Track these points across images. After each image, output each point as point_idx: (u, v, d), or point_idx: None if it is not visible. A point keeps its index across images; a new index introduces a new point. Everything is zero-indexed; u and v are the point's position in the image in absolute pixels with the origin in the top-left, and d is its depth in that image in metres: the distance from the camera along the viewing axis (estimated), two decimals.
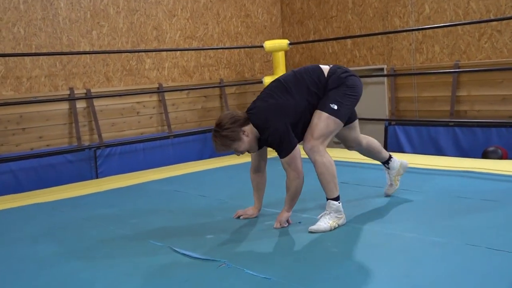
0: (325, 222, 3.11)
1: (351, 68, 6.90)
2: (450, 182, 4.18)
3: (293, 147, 3.11)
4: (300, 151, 3.16)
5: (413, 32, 6.28)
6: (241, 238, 3.13)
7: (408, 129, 6.25)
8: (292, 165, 3.12)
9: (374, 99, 6.92)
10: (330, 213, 3.15)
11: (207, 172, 5.34)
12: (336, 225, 3.14)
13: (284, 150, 3.11)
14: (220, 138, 3.11)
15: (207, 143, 6.73)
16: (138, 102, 6.40)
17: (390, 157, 3.73)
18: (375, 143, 3.69)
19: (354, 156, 5.52)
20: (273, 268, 2.58)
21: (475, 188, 3.90)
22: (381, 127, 6.65)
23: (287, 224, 3.26)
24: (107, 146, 5.91)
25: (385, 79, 6.70)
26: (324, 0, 7.30)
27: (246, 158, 5.93)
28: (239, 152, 3.20)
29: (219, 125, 3.11)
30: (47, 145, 5.74)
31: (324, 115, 3.14)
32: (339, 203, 3.18)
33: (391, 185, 3.77)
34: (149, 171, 5.67)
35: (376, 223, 3.22)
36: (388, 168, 3.73)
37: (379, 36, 6.66)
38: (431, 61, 6.23)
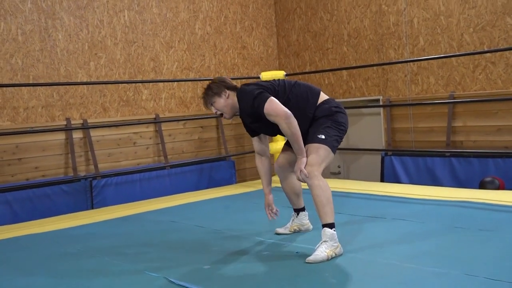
0: (322, 252, 3.10)
1: (347, 100, 7.02)
2: (447, 212, 4.18)
3: (267, 97, 3.26)
4: (276, 100, 3.27)
5: (408, 63, 6.36)
6: (238, 268, 3.11)
7: (404, 160, 6.28)
8: (274, 110, 3.23)
9: (370, 130, 6.97)
10: (326, 241, 3.14)
11: (204, 203, 5.32)
12: (334, 254, 3.13)
13: (261, 103, 3.26)
14: (207, 89, 3.45)
15: (204, 174, 6.73)
16: (135, 133, 6.42)
17: (304, 209, 3.80)
18: (300, 187, 3.76)
19: (348, 186, 5.53)
20: None
21: (473, 218, 3.90)
22: (377, 158, 6.67)
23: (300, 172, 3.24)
24: (103, 176, 5.90)
25: (381, 110, 6.75)
26: (320, 32, 7.41)
27: (243, 189, 5.94)
28: (216, 109, 3.46)
29: (211, 81, 3.50)
30: (43, 176, 5.73)
31: (314, 145, 3.30)
32: (334, 230, 3.18)
33: (286, 227, 3.80)
34: (145, 201, 5.65)
35: (374, 253, 3.20)
36: (297, 216, 3.78)
37: (375, 68, 6.74)
38: (426, 92, 6.29)
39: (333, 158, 3.41)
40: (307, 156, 3.26)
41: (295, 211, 3.78)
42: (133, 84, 6.45)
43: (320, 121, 3.37)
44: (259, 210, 4.62)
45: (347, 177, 7.36)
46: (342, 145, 7.19)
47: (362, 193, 5.18)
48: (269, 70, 7.56)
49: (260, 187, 5.92)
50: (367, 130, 7.04)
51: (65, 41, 5.97)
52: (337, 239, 3.19)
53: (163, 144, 6.61)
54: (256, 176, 7.42)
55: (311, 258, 3.08)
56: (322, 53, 7.42)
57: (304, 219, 3.78)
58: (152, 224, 4.50)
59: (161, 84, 6.70)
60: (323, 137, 3.30)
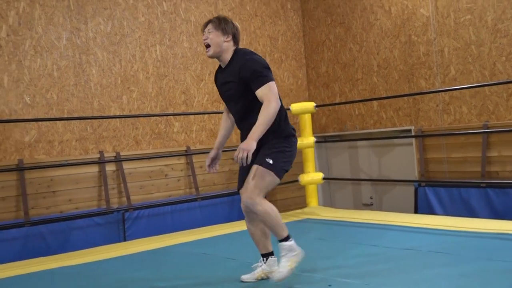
0: (284, 267, 3.16)
1: (378, 130, 6.98)
2: (483, 244, 4.08)
3: (270, 78, 3.21)
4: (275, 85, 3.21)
5: (440, 93, 6.31)
6: None
7: (438, 191, 6.17)
8: (272, 91, 3.18)
9: (402, 161, 6.90)
10: (285, 254, 3.19)
11: (235, 235, 5.31)
12: (295, 264, 3.19)
13: (261, 80, 3.19)
14: (220, 19, 3.35)
15: (235, 205, 6.73)
16: (166, 165, 6.49)
17: (273, 253, 3.48)
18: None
19: (381, 218, 5.46)
20: None
21: (510, 251, 3.79)
22: (410, 189, 6.58)
23: (245, 155, 3.03)
24: (136, 208, 5.95)
25: (413, 140, 6.69)
26: (349, 63, 7.43)
27: None
28: (207, 37, 3.33)
29: (228, 19, 3.39)
30: (76, 208, 5.81)
31: (260, 169, 3.19)
32: (290, 241, 3.21)
33: (253, 274, 3.49)
34: (177, 233, 5.66)
35: (409, 285, 3.14)
36: (265, 263, 3.47)
37: (405, 98, 6.71)
38: (459, 122, 6.22)
39: (278, 182, 3.30)
40: (250, 176, 3.17)
41: (263, 257, 3.49)
42: (165, 117, 6.54)
43: (274, 141, 3.29)
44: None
45: (380, 208, 7.26)
46: (374, 176, 7.20)
47: (396, 225, 5.10)
48: (299, 102, 7.58)
49: (291, 219, 5.90)
50: (399, 160, 6.97)
51: (99, 76, 6.11)
52: (295, 247, 3.23)
53: (194, 176, 6.65)
54: (287, 208, 7.38)
55: (277, 276, 3.15)
56: (352, 84, 7.43)
57: (273, 265, 3.42)
58: (183, 257, 4.50)
59: (192, 116, 6.78)
60: (271, 162, 3.21)
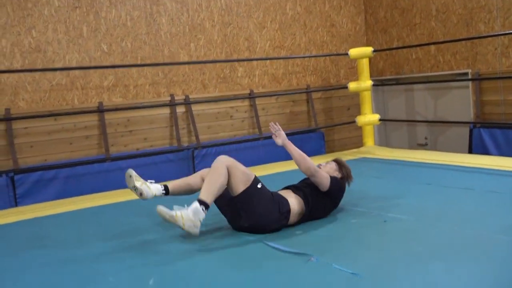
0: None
1: (435, 73, 6.67)
2: None
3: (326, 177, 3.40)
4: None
5: (499, 37, 5.92)
6: (329, 234, 3.07)
7: (493, 132, 5.89)
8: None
9: (458, 103, 6.60)
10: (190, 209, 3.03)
11: (296, 172, 5.29)
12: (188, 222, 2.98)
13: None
14: (344, 165, 3.64)
15: (295, 144, 6.67)
16: (231, 107, 6.49)
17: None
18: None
19: (436, 158, 5.29)
20: (360, 264, 2.51)
21: None
22: (465, 130, 6.32)
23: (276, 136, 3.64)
24: (204, 147, 6.04)
25: (470, 83, 6.36)
26: (408, 8, 7.07)
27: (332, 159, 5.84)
28: (322, 166, 3.61)
29: (348, 169, 3.66)
30: (151, 146, 5.96)
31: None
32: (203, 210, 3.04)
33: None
34: None
35: (462, 223, 3.05)
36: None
37: (463, 42, 6.34)
38: None
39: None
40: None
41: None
42: (229, 63, 6.50)
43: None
44: None
45: (434, 149, 7.04)
46: (429, 118, 6.94)
47: (451, 165, 4.93)
48: (357, 47, 7.33)
49: (347, 157, 5.82)
50: (455, 103, 6.68)
51: (168, 25, 6.10)
52: (200, 217, 3.00)
53: (257, 117, 6.64)
54: (344, 147, 7.29)
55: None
56: (409, 29, 7.09)
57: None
58: None
59: (255, 62, 6.70)
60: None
